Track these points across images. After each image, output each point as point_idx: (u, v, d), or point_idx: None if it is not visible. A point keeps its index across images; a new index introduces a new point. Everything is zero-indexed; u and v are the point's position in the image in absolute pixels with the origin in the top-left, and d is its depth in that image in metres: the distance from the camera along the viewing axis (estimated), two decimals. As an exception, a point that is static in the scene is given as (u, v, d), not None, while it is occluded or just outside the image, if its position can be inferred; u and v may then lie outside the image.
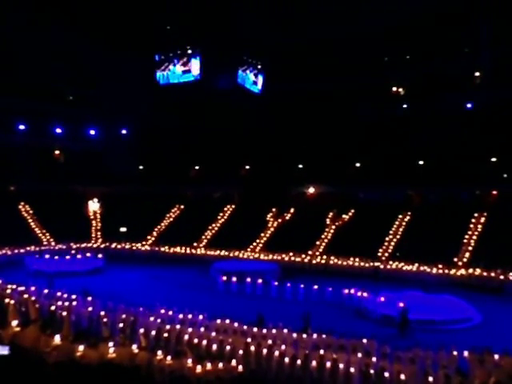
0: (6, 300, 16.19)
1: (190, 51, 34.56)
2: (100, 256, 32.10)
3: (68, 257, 31.73)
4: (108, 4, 35.83)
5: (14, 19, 36.31)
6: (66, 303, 16.68)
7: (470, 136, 35.52)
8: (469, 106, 38.15)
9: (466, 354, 12.74)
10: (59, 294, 18.22)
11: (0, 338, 8.81)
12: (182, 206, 43.07)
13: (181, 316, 15.81)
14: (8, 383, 6.52)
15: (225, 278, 25.21)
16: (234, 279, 25.06)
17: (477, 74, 37.96)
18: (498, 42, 35.08)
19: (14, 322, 9.98)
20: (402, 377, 11.22)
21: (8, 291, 17.68)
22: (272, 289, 23.95)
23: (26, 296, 16.93)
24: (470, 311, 20.02)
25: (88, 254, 32.47)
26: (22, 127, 40.48)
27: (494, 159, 35.59)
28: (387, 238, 33.59)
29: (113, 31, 37.90)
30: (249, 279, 24.85)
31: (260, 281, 24.46)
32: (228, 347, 12.78)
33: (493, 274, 26.55)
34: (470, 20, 35.41)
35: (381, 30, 37.06)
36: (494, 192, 35.89)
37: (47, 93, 41.44)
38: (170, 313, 16.22)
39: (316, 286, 23.05)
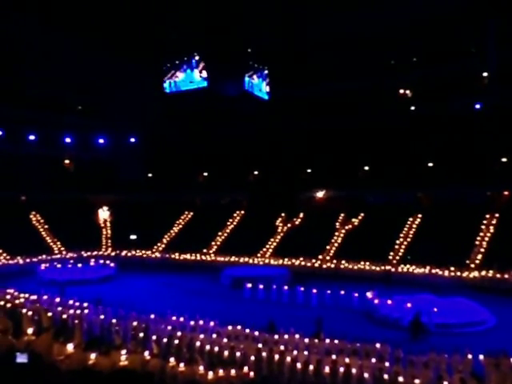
0: (19, 309, 16.33)
1: (196, 58, 34.79)
2: (111, 264, 32.26)
3: (79, 265, 31.93)
4: (116, 13, 36.18)
5: (23, 30, 36.83)
6: (78, 311, 16.77)
7: (479, 137, 35.22)
8: (477, 106, 37.84)
9: (481, 357, 12.57)
10: (71, 302, 18.34)
11: (14, 347, 8.87)
12: (192, 213, 43.17)
13: (192, 323, 15.82)
14: None
15: (249, 285, 24.78)
16: (249, 285, 24.87)
17: (485, 74, 37.69)
18: (504, 41, 34.84)
19: (30, 330, 10.04)
20: (417, 381, 11.09)
21: (21, 300, 17.84)
22: (283, 294, 23.87)
23: (38, 305, 17.05)
24: (484, 314, 19.76)
25: (101, 261, 32.69)
26: (32, 137, 40.97)
27: (504, 159, 35.23)
28: (398, 241, 33.34)
29: (120, 40, 38.27)
30: (260, 285, 24.80)
31: (271, 286, 24.38)
32: (239, 353, 12.74)
33: (506, 276, 26.22)
34: (477, 20, 35.25)
35: (387, 32, 37.00)
36: (506, 192, 35.50)
37: (56, 103, 41.98)
38: (182, 319, 16.23)
39: (327, 291, 22.94)
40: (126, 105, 42.43)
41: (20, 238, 33.96)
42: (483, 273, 27.36)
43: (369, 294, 21.37)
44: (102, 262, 32.71)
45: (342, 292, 22.81)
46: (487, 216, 33.05)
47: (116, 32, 37.78)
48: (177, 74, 35.89)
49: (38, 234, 37.85)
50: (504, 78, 35.64)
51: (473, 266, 28.78)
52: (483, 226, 32.32)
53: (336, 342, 13.85)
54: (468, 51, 37.97)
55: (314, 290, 23.11)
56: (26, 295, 18.70)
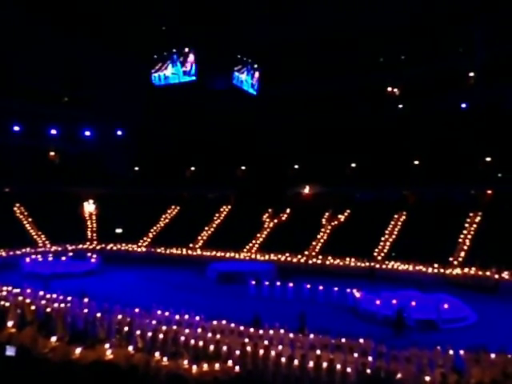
0: (2, 302, 16.15)
1: (184, 51, 34.50)
2: (95, 257, 32.01)
3: (63, 258, 31.62)
4: (103, 5, 35.72)
5: (9, 21, 36.16)
6: (62, 305, 16.64)
7: (464, 135, 35.67)
8: (463, 105, 38.33)
9: (461, 352, 12.81)
10: (55, 295, 18.18)
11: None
12: (178, 207, 43.04)
13: (177, 317, 15.80)
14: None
15: (254, 282, 24.30)
16: (254, 282, 24.40)
17: (471, 74, 38.13)
18: (492, 41, 35.26)
19: (10, 323, 9.95)
20: (399, 376, 11.26)
21: (4, 293, 17.63)
22: (268, 289, 23.97)
23: (21, 298, 16.88)
24: (465, 310, 20.09)
25: (86, 255, 32.41)
26: (17, 128, 40.36)
27: (488, 158, 35.76)
28: (383, 238, 33.68)
29: (108, 32, 37.84)
30: (245, 280, 24.85)
31: (256, 281, 24.46)
32: (225, 348, 12.79)
33: (488, 273, 26.68)
34: (465, 20, 35.59)
35: (376, 30, 37.16)
36: (489, 191, 36.09)
37: (42, 94, 41.34)
38: (167, 314, 16.20)
39: (312, 286, 23.10)
40: (113, 97, 42.00)
41: (3, 231, 33.43)
42: (466, 270, 27.81)
43: (355, 293, 21.56)
44: (86, 255, 32.41)
45: (321, 287, 22.91)
46: (471, 214, 33.56)
47: (104, 24, 37.35)
48: (165, 67, 35.55)
49: (21, 226, 37.34)
50: (490, 78, 36.11)
51: (456, 263, 29.23)
52: (467, 224, 32.82)
53: (320, 337, 13.98)
54: (455, 50, 38.32)
55: (298, 286, 23.26)
56: (9, 288, 18.47)
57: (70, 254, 33.66)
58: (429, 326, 18.14)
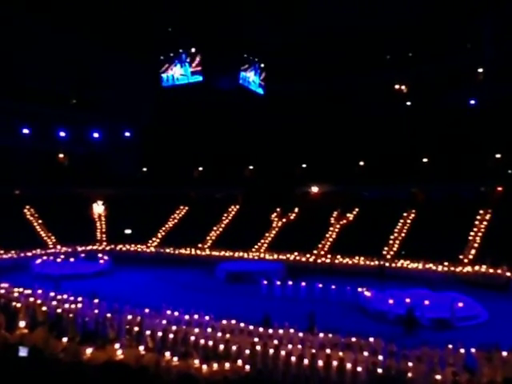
0: (14, 303, 16.30)
1: (191, 51, 34.61)
2: (105, 258, 32.19)
3: (73, 259, 31.83)
4: (110, 7, 35.93)
5: (19, 23, 36.49)
6: (73, 305, 16.75)
7: (473, 132, 35.37)
8: (472, 102, 37.96)
9: (473, 351, 12.69)
10: (65, 296, 18.31)
11: (8, 340, 8.87)
12: (186, 208, 43.12)
13: (187, 317, 15.83)
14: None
15: (265, 281, 24.32)
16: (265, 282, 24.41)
17: (480, 70, 37.77)
18: (500, 37, 34.91)
19: (22, 323, 10.04)
20: (410, 375, 11.19)
21: (15, 294, 17.80)
22: (277, 288, 23.94)
23: (32, 299, 17.02)
24: (476, 308, 19.93)
25: (96, 256, 32.62)
26: (26, 131, 40.66)
27: (498, 155, 35.42)
28: (392, 237, 33.48)
29: (115, 34, 38.02)
30: (254, 279, 24.85)
31: (265, 281, 24.45)
32: (234, 347, 12.79)
33: (499, 271, 26.42)
34: (473, 16, 35.27)
35: (382, 27, 36.97)
36: (499, 188, 35.72)
37: (51, 96, 41.65)
38: (176, 314, 16.25)
39: (321, 285, 23.04)
40: (120, 99, 42.20)
41: (14, 233, 33.76)
42: (476, 268, 27.56)
43: (365, 292, 21.47)
44: (96, 256, 32.61)
45: (334, 286, 22.88)
46: (481, 211, 33.25)
47: (111, 26, 37.54)
48: (172, 68, 35.69)
49: (32, 228, 37.64)
50: (499, 74, 35.75)
51: (466, 261, 28.98)
52: (477, 222, 32.52)
53: (330, 336, 13.93)
54: (463, 47, 37.99)
55: (307, 285, 23.20)
56: (20, 289, 18.63)
57: (81, 255, 33.87)
58: (443, 325, 18.01)
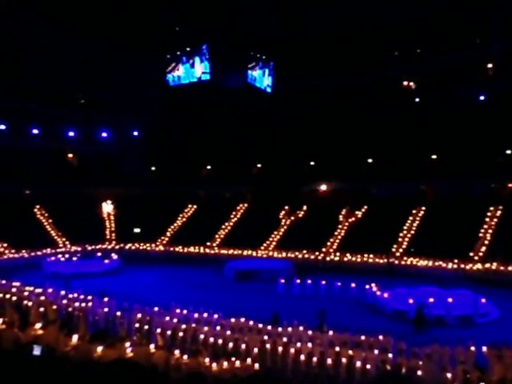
0: (25, 302, 16.47)
1: (198, 50, 34.60)
2: (115, 257, 32.42)
3: (83, 258, 32.07)
4: (117, 6, 36.06)
5: (26, 24, 36.78)
6: (83, 304, 16.90)
7: (483, 128, 35.01)
8: (481, 97, 37.57)
9: (484, 349, 12.60)
10: (76, 295, 18.47)
11: (20, 339, 8.97)
12: (195, 206, 43.25)
13: (196, 315, 15.90)
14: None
15: (283, 281, 24.06)
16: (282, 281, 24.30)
17: (489, 65, 37.39)
18: (509, 32, 34.51)
19: (38, 325, 10.14)
20: (419, 373, 11.14)
21: (26, 293, 17.98)
22: (286, 287, 23.94)
23: (43, 298, 17.19)
24: (487, 306, 19.77)
25: (106, 255, 32.84)
26: (35, 131, 41.04)
27: (508, 151, 35.05)
28: (401, 234, 33.31)
29: (122, 33, 38.16)
30: (263, 277, 24.86)
31: (274, 279, 24.45)
32: (243, 345, 12.82)
33: (510, 269, 26.19)
34: (481, 11, 34.90)
35: (390, 23, 36.72)
36: (510, 185, 35.36)
37: (59, 97, 42.01)
38: (186, 312, 16.32)
39: (329, 283, 22.99)
40: (128, 98, 42.39)
41: (24, 232, 34.14)
42: (487, 265, 27.34)
43: (373, 287, 21.41)
44: (106, 255, 32.84)
45: (340, 284, 22.86)
46: (491, 208, 32.95)
47: (118, 25, 37.68)
48: (179, 67, 35.70)
49: (42, 227, 38.01)
50: (508, 69, 35.34)
51: (476, 258, 28.76)
52: (487, 219, 32.23)
53: (339, 334, 13.91)
54: (472, 42, 37.62)
55: (316, 283, 23.19)
56: (32, 288, 18.83)
57: (91, 254, 34.13)
58: (466, 322, 17.88)
